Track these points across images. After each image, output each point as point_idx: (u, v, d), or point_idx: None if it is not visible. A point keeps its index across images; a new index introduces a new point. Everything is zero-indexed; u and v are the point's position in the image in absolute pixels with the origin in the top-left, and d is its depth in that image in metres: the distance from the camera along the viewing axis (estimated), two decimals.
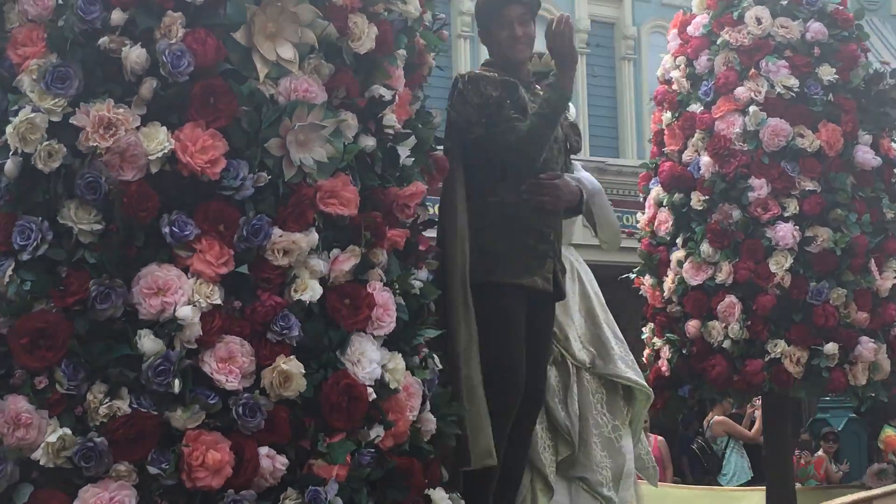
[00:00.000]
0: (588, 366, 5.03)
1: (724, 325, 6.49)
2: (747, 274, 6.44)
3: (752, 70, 6.62)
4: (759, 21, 6.67)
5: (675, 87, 6.93)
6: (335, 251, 3.36)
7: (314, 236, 3.28)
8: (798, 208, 6.43)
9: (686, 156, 6.78)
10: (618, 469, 5.03)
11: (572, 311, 5.07)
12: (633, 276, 7.10)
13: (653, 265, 6.91)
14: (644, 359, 7.00)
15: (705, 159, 6.64)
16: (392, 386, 3.42)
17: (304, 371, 3.18)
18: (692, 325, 6.61)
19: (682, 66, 6.91)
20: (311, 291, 3.25)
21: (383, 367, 3.42)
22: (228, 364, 3.10)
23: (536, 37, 4.72)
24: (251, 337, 3.17)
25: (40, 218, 3.16)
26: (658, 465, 6.14)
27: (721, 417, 12.66)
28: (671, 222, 6.81)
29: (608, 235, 5.49)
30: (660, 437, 11.73)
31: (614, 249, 5.68)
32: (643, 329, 7.04)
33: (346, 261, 3.35)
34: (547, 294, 4.60)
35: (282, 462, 3.14)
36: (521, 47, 4.61)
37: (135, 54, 3.17)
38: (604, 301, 5.28)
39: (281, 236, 3.22)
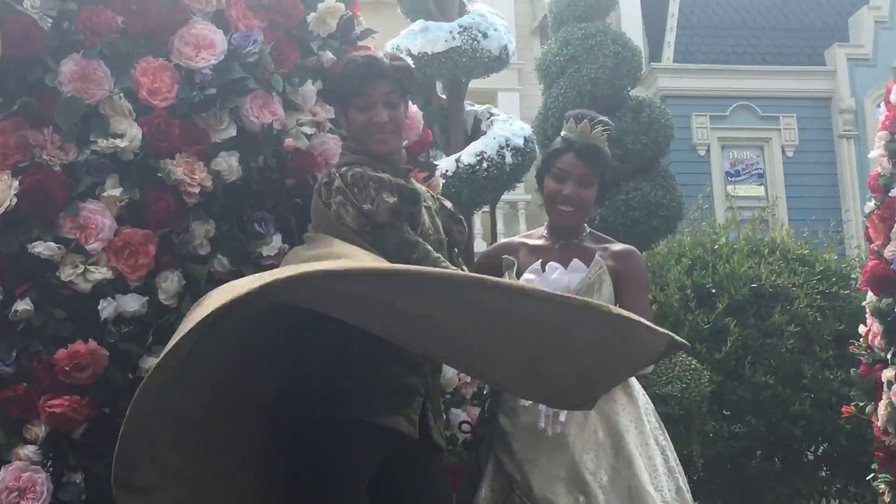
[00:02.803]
0: None
1: None
2: None
3: None
4: None
5: (880, 168, 5.70)
6: None
7: None
8: None
9: (889, 251, 5.51)
10: None
11: (555, 450, 3.83)
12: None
13: (870, 388, 5.63)
14: None
15: None
16: None
17: None
18: None
19: (884, 141, 5.66)
20: None
21: None
22: None
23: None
24: None
25: None
26: None
27: None
28: (881, 333, 5.54)
29: None
30: None
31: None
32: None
33: None
34: (425, 443, 3.49)
35: None
36: (383, 137, 3.52)
37: None
38: (627, 442, 3.86)
39: None
